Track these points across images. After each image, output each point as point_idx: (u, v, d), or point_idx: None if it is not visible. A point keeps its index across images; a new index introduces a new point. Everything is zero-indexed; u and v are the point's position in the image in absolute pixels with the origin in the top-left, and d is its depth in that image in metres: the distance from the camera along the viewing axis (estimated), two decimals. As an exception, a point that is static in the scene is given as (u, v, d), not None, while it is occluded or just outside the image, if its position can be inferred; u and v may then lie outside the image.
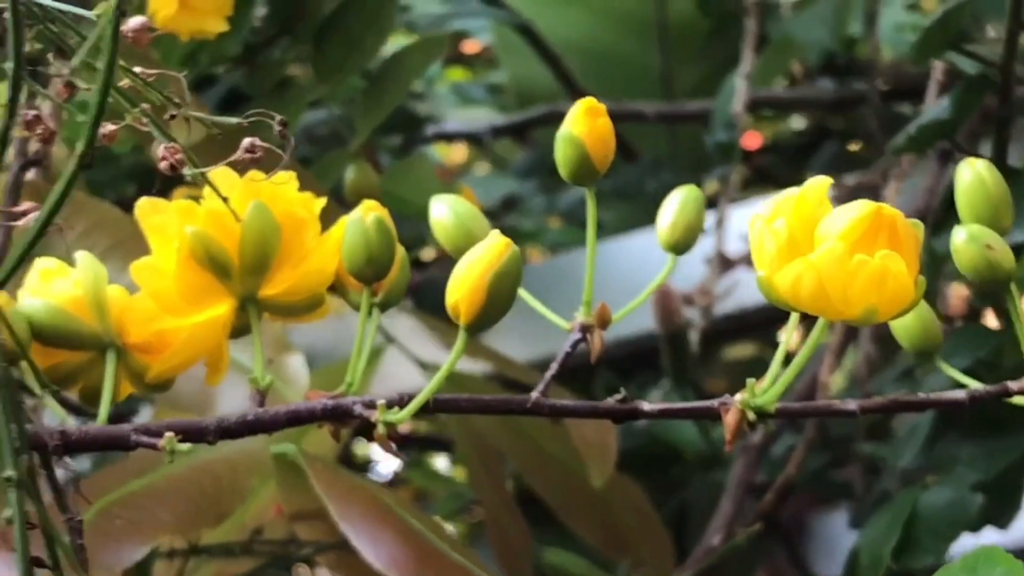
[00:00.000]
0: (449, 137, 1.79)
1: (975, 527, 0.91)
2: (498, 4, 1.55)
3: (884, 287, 0.55)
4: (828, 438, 1.29)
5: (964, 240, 0.59)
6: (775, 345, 1.57)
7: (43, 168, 0.85)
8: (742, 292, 1.30)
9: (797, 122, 1.93)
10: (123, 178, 1.21)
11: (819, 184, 0.57)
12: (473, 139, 1.79)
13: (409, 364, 1.05)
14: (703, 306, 1.20)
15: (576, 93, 1.62)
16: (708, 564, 0.92)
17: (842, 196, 1.25)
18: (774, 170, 1.75)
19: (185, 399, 0.77)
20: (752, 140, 1.82)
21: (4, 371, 0.47)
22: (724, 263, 1.21)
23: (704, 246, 1.29)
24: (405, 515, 0.71)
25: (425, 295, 1.30)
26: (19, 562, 0.46)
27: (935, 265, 0.89)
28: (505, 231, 1.75)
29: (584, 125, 0.62)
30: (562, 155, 0.62)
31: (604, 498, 0.95)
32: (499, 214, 1.78)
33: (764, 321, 1.53)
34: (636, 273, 1.36)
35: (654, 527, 0.97)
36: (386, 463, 1.67)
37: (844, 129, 1.70)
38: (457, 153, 2.23)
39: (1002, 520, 0.92)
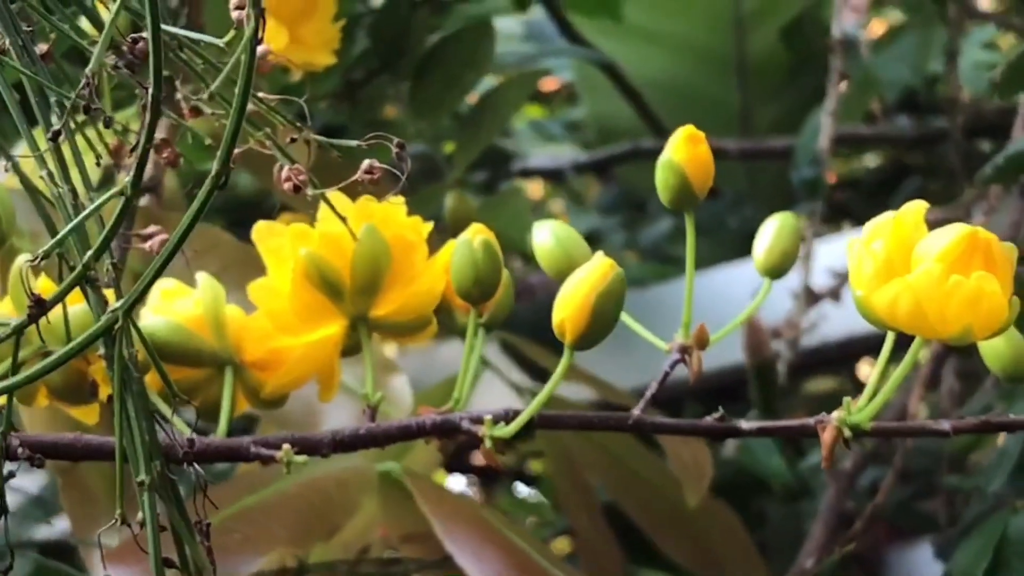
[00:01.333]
0: (532, 173, 1.81)
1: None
2: (582, 42, 1.57)
3: (979, 307, 0.56)
4: (910, 471, 1.30)
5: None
6: (854, 379, 1.58)
7: (155, 195, 0.88)
8: (824, 326, 1.31)
9: (870, 160, 1.94)
10: (222, 203, 1.23)
11: (916, 208, 0.59)
12: (555, 175, 1.81)
13: (499, 391, 1.07)
14: (790, 339, 1.22)
15: (658, 129, 1.64)
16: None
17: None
18: (853, 206, 1.76)
19: (291, 418, 0.79)
20: (829, 178, 1.83)
21: (139, 383, 0.50)
22: (811, 296, 1.23)
23: (790, 280, 1.31)
24: (508, 532, 0.73)
25: (513, 324, 1.32)
26: (152, 562, 0.49)
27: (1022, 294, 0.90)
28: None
29: (685, 152, 0.64)
30: (663, 181, 0.64)
31: (698, 520, 0.96)
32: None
33: (844, 356, 1.54)
34: (719, 307, 1.38)
35: (747, 549, 0.98)
36: (468, 492, 1.69)
37: (924, 166, 1.71)
38: (534, 190, 2.26)
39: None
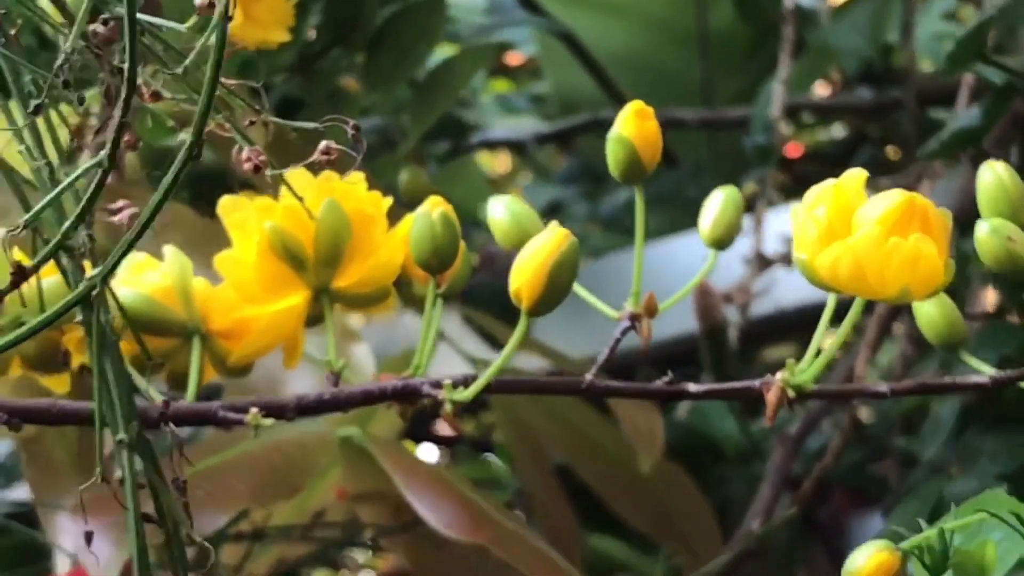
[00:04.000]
0: (494, 145, 1.83)
1: (997, 517, 0.95)
2: (541, 14, 1.59)
3: (917, 268, 0.59)
4: (865, 434, 1.33)
5: (986, 233, 0.63)
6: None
7: (117, 171, 0.90)
8: (780, 294, 1.34)
9: (839, 132, 1.97)
10: (185, 181, 1.25)
11: (856, 176, 0.62)
12: (517, 147, 1.83)
13: (455, 362, 1.10)
14: (741, 304, 1.24)
15: (619, 101, 1.66)
16: (746, 546, 0.96)
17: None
18: (814, 177, 1.78)
19: (256, 387, 0.82)
20: (794, 150, 1.86)
21: (116, 348, 0.52)
22: (762, 262, 1.26)
23: (742, 246, 1.33)
24: (462, 487, 0.76)
25: (472, 296, 1.34)
26: (130, 517, 0.51)
27: (963, 264, 0.93)
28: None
29: (634, 127, 0.66)
30: (613, 156, 0.67)
31: (651, 484, 0.99)
32: (544, 221, 1.81)
33: (801, 324, 1.57)
34: (678, 275, 1.41)
35: (701, 511, 1.01)
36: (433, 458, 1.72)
37: (881, 136, 1.74)
38: (501, 163, 2.28)
39: (1024, 510, 0.96)
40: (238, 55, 1.09)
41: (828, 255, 0.60)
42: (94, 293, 0.51)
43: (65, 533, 0.76)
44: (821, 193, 0.61)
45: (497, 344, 1.16)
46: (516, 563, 0.74)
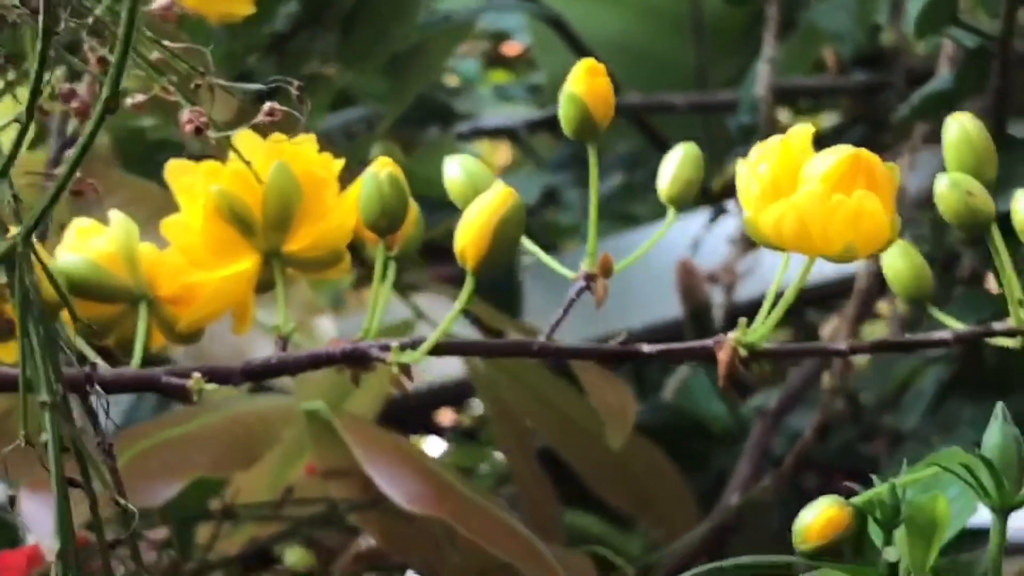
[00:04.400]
0: (486, 133, 1.82)
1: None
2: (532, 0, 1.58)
3: (860, 225, 0.58)
4: (857, 412, 1.32)
5: (946, 187, 0.62)
6: (806, 327, 1.59)
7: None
8: (768, 276, 1.33)
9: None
10: (154, 158, 1.25)
11: (803, 132, 0.61)
12: (510, 134, 1.83)
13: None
14: (727, 284, 1.23)
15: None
16: (722, 520, 0.95)
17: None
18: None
19: (218, 359, 0.81)
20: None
21: (40, 309, 0.51)
22: (747, 242, 1.25)
23: (728, 226, 1.33)
24: (427, 459, 0.75)
25: (458, 278, 1.33)
26: (53, 479, 0.50)
27: (941, 231, 0.92)
28: (545, 225, 1.77)
29: (584, 84, 0.66)
30: (564, 113, 0.66)
31: (627, 461, 0.98)
32: (539, 209, 1.81)
33: (794, 305, 1.56)
34: (669, 261, 1.40)
35: (676, 487, 1.01)
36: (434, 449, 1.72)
37: (875, 117, 1.73)
38: (502, 154, 2.27)
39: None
40: (211, 32, 1.08)
41: (772, 212, 0.59)
42: (16, 252, 0.50)
43: (23, 507, 0.76)
44: (767, 150, 0.60)
45: (493, 332, 1.15)
46: (475, 536, 0.73)
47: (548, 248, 1.82)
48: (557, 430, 1.03)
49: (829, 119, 1.97)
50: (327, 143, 1.25)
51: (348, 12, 1.07)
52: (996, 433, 0.58)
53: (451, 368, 1.20)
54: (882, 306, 1.30)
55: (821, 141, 1.79)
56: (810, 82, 1.66)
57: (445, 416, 1.85)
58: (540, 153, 2.07)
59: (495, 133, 1.85)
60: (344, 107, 1.32)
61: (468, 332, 1.12)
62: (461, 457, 1.65)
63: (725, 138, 1.70)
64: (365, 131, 1.40)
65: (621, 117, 1.67)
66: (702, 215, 1.40)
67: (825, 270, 0.67)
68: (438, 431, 1.82)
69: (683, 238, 1.38)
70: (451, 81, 1.95)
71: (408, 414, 1.67)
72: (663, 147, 1.73)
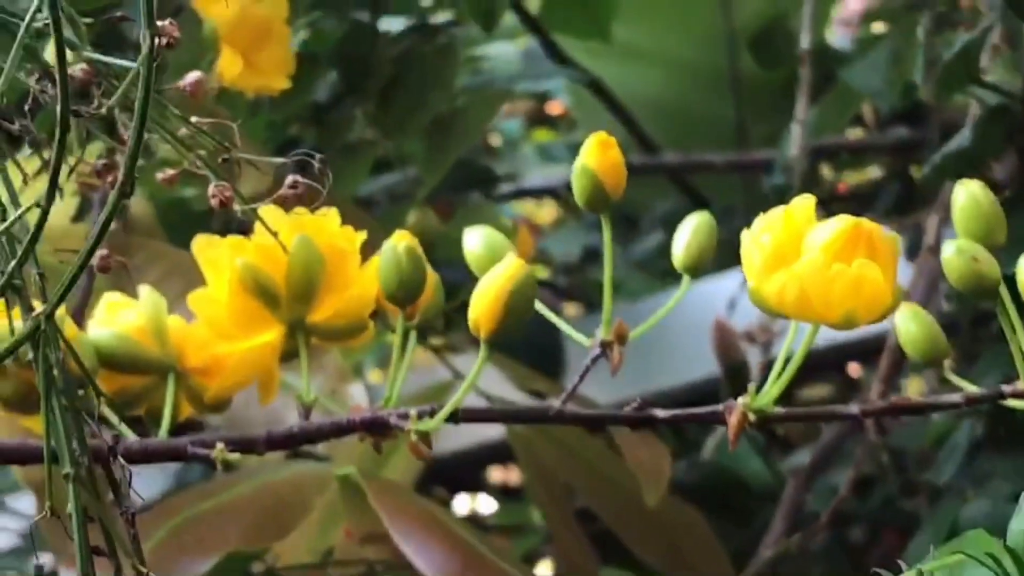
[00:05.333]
0: (528, 193, 1.85)
1: (1012, 537, 0.94)
2: (569, 63, 1.60)
3: (861, 293, 0.60)
4: (899, 466, 1.32)
5: (952, 253, 0.64)
6: (848, 383, 1.60)
7: (122, 220, 0.92)
8: (803, 334, 1.33)
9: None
10: (197, 226, 1.27)
11: (805, 203, 0.62)
12: (551, 194, 1.85)
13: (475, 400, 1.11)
14: (763, 342, 1.24)
15: (648, 147, 1.67)
16: (756, 572, 0.96)
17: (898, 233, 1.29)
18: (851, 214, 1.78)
19: (254, 425, 0.83)
20: (841, 188, 1.86)
21: (64, 381, 0.53)
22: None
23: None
24: (457, 528, 0.76)
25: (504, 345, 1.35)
26: (77, 550, 0.52)
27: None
28: (586, 283, 1.77)
29: (596, 157, 0.67)
30: (577, 185, 0.68)
31: (662, 519, 0.99)
32: (580, 266, 1.83)
33: (837, 361, 1.57)
34: (705, 317, 1.41)
35: (710, 543, 1.01)
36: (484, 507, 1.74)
37: (913, 172, 1.74)
38: (547, 211, 2.29)
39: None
40: (250, 104, 1.11)
41: (775, 282, 0.61)
42: (39, 331, 0.52)
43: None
44: (770, 221, 0.62)
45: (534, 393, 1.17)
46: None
47: (591, 305, 1.84)
48: (593, 488, 1.04)
49: (872, 170, 1.98)
50: (368, 208, 1.28)
51: (386, 82, 1.09)
52: (1021, 520, 0.59)
53: (498, 427, 1.21)
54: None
55: (859, 196, 1.80)
56: (847, 140, 1.67)
57: (494, 474, 1.87)
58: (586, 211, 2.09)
59: (538, 193, 1.86)
60: (386, 170, 1.34)
61: (510, 393, 1.13)
62: (508, 515, 1.67)
63: (764, 197, 1.72)
64: (407, 194, 1.43)
65: (661, 176, 1.70)
66: (739, 273, 1.41)
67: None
68: (487, 489, 1.83)
69: (720, 295, 1.39)
70: (494, 141, 1.97)
71: (457, 472, 1.69)
72: (703, 205, 1.75)
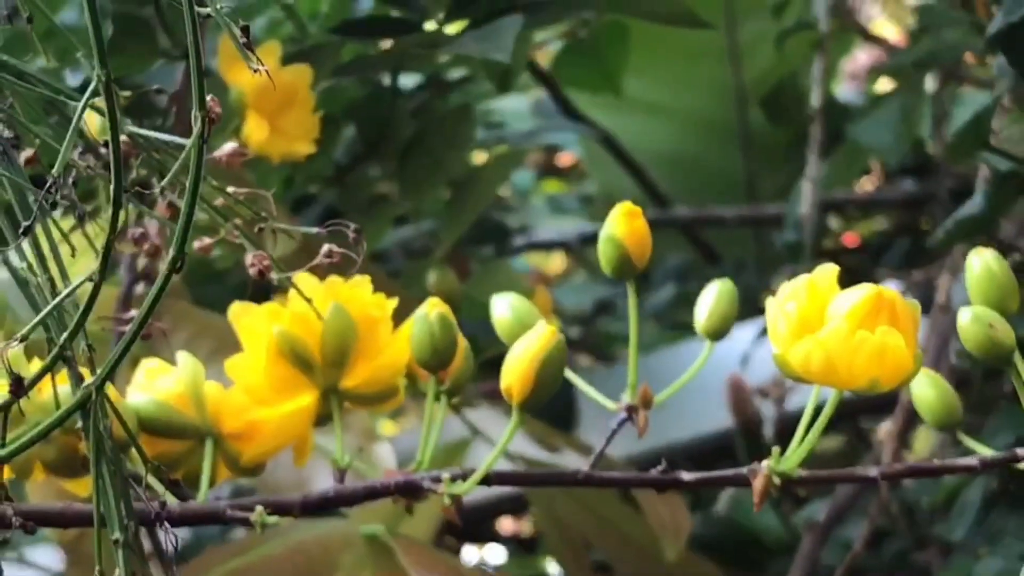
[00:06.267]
0: (540, 246, 1.86)
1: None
2: (582, 119, 1.62)
3: (885, 360, 0.61)
4: (912, 521, 1.34)
5: (969, 320, 0.65)
6: (860, 435, 1.61)
7: (151, 283, 0.93)
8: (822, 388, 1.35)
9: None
10: (228, 294, 1.29)
11: (828, 271, 0.64)
12: (564, 247, 1.86)
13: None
14: (776, 397, 1.26)
15: (659, 200, 1.69)
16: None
17: (907, 289, 1.31)
18: (855, 269, 1.80)
19: (283, 487, 0.85)
20: (851, 240, 1.88)
21: (112, 449, 0.55)
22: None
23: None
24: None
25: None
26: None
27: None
28: (599, 335, 1.79)
29: (623, 227, 0.69)
30: (604, 254, 0.70)
31: (680, 574, 1.01)
32: (593, 319, 1.84)
33: (850, 413, 1.58)
34: (719, 371, 1.43)
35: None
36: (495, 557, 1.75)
37: (920, 226, 1.75)
38: (556, 263, 2.31)
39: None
40: (276, 168, 1.12)
41: (800, 349, 0.62)
42: (90, 401, 0.53)
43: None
44: (794, 289, 0.63)
45: (548, 447, 1.18)
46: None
47: (602, 358, 1.85)
48: (611, 543, 1.06)
49: (879, 222, 2.00)
50: (382, 261, 1.29)
51: (406, 143, 1.11)
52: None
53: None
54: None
55: (869, 248, 1.81)
56: (856, 195, 1.69)
57: (505, 525, 1.88)
58: (593, 262, 2.10)
59: (548, 247, 1.88)
60: (399, 223, 1.36)
61: (525, 447, 1.15)
62: (519, 566, 1.68)
63: (774, 251, 1.74)
64: (422, 249, 1.44)
65: (672, 229, 1.72)
66: (752, 326, 1.43)
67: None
68: (499, 539, 1.84)
69: (732, 348, 1.41)
70: (505, 191, 1.99)
71: (469, 523, 1.71)
72: (713, 258, 1.76)
